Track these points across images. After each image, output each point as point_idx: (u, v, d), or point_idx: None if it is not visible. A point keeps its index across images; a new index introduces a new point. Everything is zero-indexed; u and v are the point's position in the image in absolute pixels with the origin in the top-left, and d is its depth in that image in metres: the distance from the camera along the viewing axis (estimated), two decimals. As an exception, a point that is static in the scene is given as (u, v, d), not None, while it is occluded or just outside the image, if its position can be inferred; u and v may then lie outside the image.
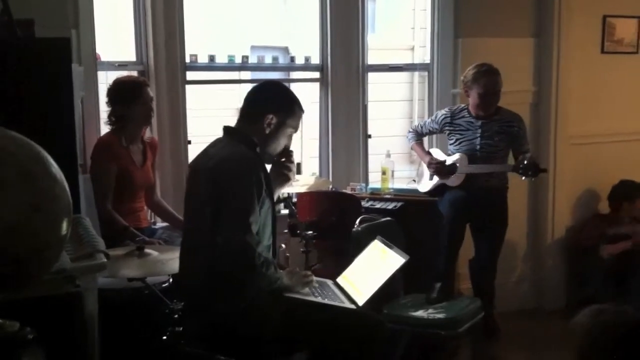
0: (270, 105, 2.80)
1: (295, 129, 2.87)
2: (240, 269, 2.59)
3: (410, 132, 4.51)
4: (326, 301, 2.79)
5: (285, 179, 2.89)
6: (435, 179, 4.28)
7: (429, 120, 4.44)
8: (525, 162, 3.86)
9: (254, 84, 3.08)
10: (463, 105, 4.30)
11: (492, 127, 4.15)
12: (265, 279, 2.64)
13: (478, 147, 4.16)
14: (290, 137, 2.88)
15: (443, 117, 4.30)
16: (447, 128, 4.28)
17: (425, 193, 4.38)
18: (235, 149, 2.74)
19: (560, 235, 5.07)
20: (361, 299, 2.82)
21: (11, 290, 1.45)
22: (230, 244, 2.54)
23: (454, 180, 4.18)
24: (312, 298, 2.78)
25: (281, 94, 2.89)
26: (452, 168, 4.18)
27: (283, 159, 2.87)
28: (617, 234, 4.75)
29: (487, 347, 4.14)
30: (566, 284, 5.09)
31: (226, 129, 2.86)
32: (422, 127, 4.45)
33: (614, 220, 4.95)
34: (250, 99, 2.86)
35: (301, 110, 2.87)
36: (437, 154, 4.39)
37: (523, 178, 3.93)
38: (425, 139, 4.64)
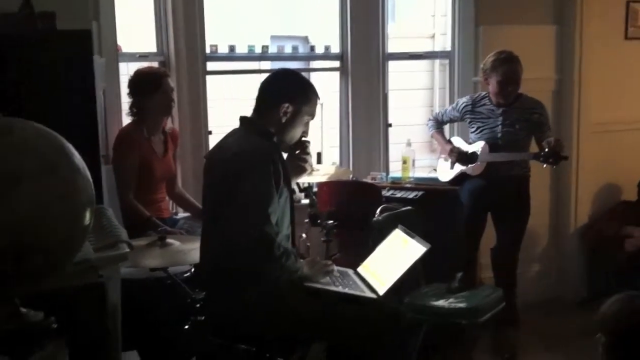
0: (285, 94, 2.80)
1: (312, 116, 2.87)
2: (260, 260, 2.60)
3: (430, 120, 4.50)
4: (347, 290, 2.79)
5: (301, 170, 2.90)
6: (456, 168, 4.26)
7: (450, 108, 4.42)
8: (547, 150, 3.83)
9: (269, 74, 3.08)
10: (484, 93, 4.27)
11: (513, 115, 4.12)
12: (285, 270, 2.64)
13: (499, 135, 4.13)
14: (307, 125, 2.87)
15: (464, 105, 4.27)
16: (468, 116, 4.26)
17: (446, 182, 4.36)
18: (252, 139, 2.74)
19: (583, 225, 5.03)
20: (382, 288, 2.82)
21: (33, 281, 1.46)
22: (249, 234, 2.55)
23: (475, 169, 4.16)
24: (332, 287, 2.79)
25: (296, 82, 2.89)
26: (473, 157, 4.16)
27: (298, 152, 2.88)
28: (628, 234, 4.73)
29: (508, 337, 4.12)
30: (587, 274, 5.06)
31: (242, 119, 2.86)
32: (442, 115, 4.43)
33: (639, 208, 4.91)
34: (265, 88, 2.86)
35: (317, 97, 2.87)
36: (458, 142, 4.37)
37: (544, 166, 3.90)
38: (447, 127, 4.62)
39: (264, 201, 2.58)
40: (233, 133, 2.85)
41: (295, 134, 2.84)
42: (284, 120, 2.78)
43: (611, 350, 2.04)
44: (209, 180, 2.84)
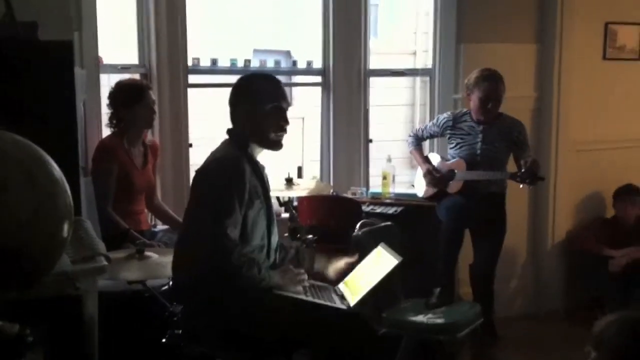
0: (235, 100, 2.84)
1: (274, 101, 2.79)
2: (216, 272, 2.60)
3: (410, 136, 4.51)
4: (315, 300, 2.78)
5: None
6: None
7: (430, 123, 4.44)
8: (523, 170, 3.87)
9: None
10: (465, 109, 4.30)
11: (493, 133, 4.16)
12: (245, 280, 2.63)
13: (478, 152, 4.16)
14: (277, 111, 2.80)
15: (445, 120, 4.29)
16: (448, 132, 4.28)
17: (424, 198, 4.38)
18: (223, 152, 2.78)
19: (560, 242, 5.07)
20: (354, 299, 2.82)
21: (13, 292, 1.45)
22: (203, 246, 2.56)
23: (452, 187, 4.18)
24: (302, 296, 2.78)
25: (238, 85, 2.88)
26: (451, 175, 4.19)
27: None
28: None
29: (486, 352, 4.13)
30: (565, 289, 5.10)
31: (227, 131, 2.88)
32: (422, 131, 4.45)
33: (615, 224, 4.96)
34: (228, 100, 2.89)
35: (265, 86, 2.84)
36: (436, 159, 4.39)
37: (521, 186, 3.93)
38: (426, 143, 4.64)
39: (219, 213, 2.59)
40: (218, 146, 2.86)
41: (268, 126, 2.79)
42: (248, 124, 2.80)
43: None
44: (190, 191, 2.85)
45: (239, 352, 2.66)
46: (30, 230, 1.38)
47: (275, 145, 2.84)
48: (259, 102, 2.79)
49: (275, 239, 2.92)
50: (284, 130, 2.83)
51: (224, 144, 2.84)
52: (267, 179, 2.94)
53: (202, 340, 2.69)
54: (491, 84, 4.08)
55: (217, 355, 2.68)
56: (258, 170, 2.83)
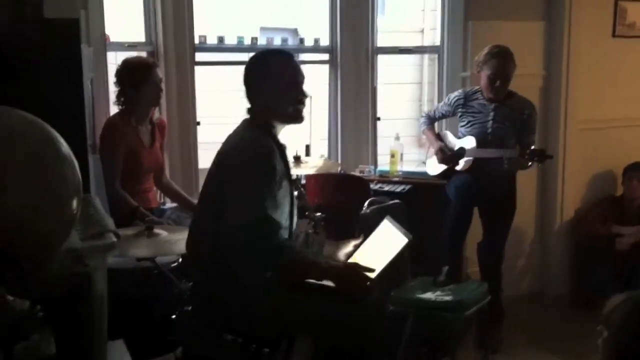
0: (248, 80, 2.76)
1: (288, 78, 2.74)
2: (261, 253, 2.53)
3: (423, 117, 4.51)
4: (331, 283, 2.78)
5: None
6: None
7: (442, 103, 4.42)
8: (532, 147, 3.85)
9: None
10: (477, 87, 4.27)
11: (504, 111, 4.13)
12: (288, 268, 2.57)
13: (489, 130, 4.14)
14: (293, 87, 2.74)
15: (456, 98, 4.27)
16: (459, 110, 4.25)
17: (434, 176, 4.37)
18: (248, 135, 2.70)
19: (568, 221, 5.07)
20: None
21: (24, 272, 1.45)
22: (252, 229, 2.50)
23: (462, 165, 4.17)
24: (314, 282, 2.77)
25: (250, 64, 2.80)
26: (461, 152, 4.17)
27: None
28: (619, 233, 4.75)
29: (492, 331, 4.14)
30: (572, 270, 5.09)
31: (247, 110, 2.80)
32: (435, 112, 4.43)
33: (623, 203, 4.94)
34: (243, 80, 2.81)
35: (277, 62, 2.77)
36: (448, 137, 4.38)
37: (529, 164, 3.92)
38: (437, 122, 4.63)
39: (258, 198, 2.53)
40: (238, 127, 2.80)
41: (284, 102, 2.73)
42: (265, 102, 2.72)
43: (613, 345, 2.05)
44: (209, 171, 2.79)
45: (240, 350, 2.66)
46: (38, 209, 1.38)
47: (296, 117, 2.76)
48: (272, 81, 2.72)
49: (295, 219, 2.87)
50: (303, 103, 2.77)
51: (246, 124, 2.76)
52: (288, 158, 2.88)
53: (203, 337, 2.69)
54: (499, 62, 4.05)
55: (218, 353, 2.68)
56: (282, 151, 2.77)
